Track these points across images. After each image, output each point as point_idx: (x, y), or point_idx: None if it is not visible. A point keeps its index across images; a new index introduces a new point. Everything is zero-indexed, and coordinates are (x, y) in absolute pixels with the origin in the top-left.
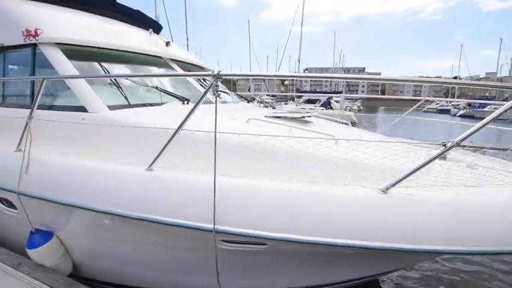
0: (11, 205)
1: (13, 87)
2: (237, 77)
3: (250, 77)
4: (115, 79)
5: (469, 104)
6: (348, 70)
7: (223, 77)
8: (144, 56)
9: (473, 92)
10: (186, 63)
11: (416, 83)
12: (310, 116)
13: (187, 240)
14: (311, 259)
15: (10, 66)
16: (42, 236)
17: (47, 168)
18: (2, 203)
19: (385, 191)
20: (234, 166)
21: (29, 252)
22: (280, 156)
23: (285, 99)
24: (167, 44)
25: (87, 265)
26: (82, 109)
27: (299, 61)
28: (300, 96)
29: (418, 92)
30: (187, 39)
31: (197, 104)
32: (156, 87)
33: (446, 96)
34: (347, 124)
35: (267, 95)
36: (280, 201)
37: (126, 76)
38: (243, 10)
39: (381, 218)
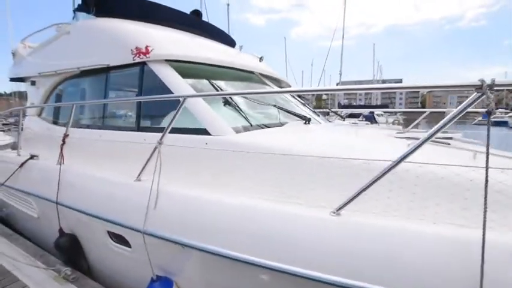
0: (122, 241)
1: (113, 109)
2: None
3: None
4: (230, 97)
5: None
6: (384, 82)
7: (497, 89)
8: (239, 72)
9: None
10: (273, 78)
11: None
12: (450, 138)
13: None
14: None
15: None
16: (163, 285)
17: (179, 203)
18: (111, 237)
19: None
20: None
21: None
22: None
23: (324, 114)
24: (260, 59)
25: None
26: (203, 132)
27: (340, 74)
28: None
29: None
30: None
31: (444, 125)
32: (275, 105)
33: (497, 107)
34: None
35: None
36: None
37: (266, 93)
38: (272, 29)
39: None
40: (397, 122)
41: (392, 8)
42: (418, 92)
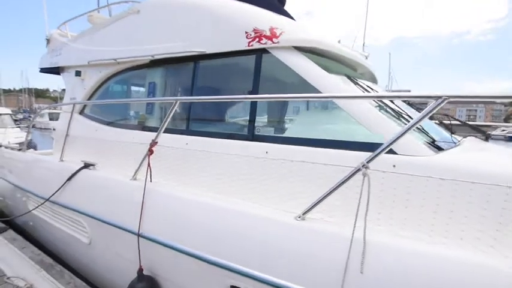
0: None
1: (206, 109)
2: None
3: None
4: (387, 102)
5: None
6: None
7: None
8: (348, 68)
9: None
10: (373, 75)
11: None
12: None
13: None
14: None
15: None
16: None
17: (400, 263)
18: None
19: None
20: None
21: None
22: None
23: None
24: (366, 58)
25: None
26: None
27: None
28: None
29: (472, 117)
30: None
31: None
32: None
33: (506, 121)
34: None
35: None
36: None
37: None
38: None
39: None
40: None
41: (399, 20)
42: (426, 103)
